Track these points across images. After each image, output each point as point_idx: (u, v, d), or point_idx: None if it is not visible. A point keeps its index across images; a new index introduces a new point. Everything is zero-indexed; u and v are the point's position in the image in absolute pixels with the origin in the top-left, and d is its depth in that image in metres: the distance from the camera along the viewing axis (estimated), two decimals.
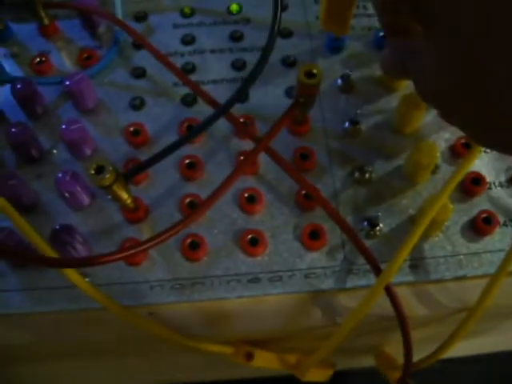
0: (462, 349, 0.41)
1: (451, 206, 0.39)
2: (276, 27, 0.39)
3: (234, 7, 0.48)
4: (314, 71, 0.37)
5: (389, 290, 0.38)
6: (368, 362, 0.50)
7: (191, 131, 0.39)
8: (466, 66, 0.26)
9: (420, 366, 0.41)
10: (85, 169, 0.35)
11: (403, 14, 0.33)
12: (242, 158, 0.41)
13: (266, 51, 0.39)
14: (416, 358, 0.40)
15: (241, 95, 0.39)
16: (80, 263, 0.35)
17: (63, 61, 0.46)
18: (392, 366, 0.46)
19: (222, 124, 0.42)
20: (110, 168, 0.34)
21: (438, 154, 0.40)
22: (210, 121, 0.39)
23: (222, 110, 0.39)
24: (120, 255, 0.34)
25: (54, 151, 0.43)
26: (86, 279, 0.38)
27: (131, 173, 0.38)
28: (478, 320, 0.38)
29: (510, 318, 0.44)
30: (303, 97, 0.39)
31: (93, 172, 0.34)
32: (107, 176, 0.34)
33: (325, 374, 0.47)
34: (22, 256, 0.34)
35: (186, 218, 0.36)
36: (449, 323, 0.39)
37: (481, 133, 0.29)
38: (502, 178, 0.43)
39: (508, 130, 0.27)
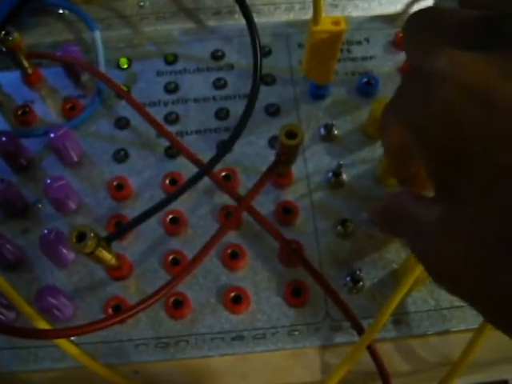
0: None
1: None
2: (257, 85, 0.39)
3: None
4: (295, 131, 0.37)
5: (371, 350, 0.38)
6: None
7: (173, 194, 0.39)
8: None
9: None
10: (69, 225, 0.35)
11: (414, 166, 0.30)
12: (225, 218, 0.41)
13: (247, 111, 0.39)
14: None
15: (223, 155, 0.39)
16: (67, 333, 0.36)
17: (47, 111, 0.46)
18: None
19: (205, 178, 0.41)
20: (92, 234, 0.34)
21: None
22: (192, 181, 0.39)
23: (204, 171, 0.39)
24: (106, 323, 0.35)
25: (39, 205, 0.43)
26: (72, 338, 0.38)
27: (115, 235, 0.38)
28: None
29: (492, 367, 0.44)
30: (285, 155, 0.39)
31: (74, 240, 0.34)
32: (89, 243, 0.34)
33: None
34: (10, 331, 0.34)
35: (170, 282, 0.36)
36: (432, 378, 0.39)
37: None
38: None
39: None
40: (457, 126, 0.20)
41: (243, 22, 0.43)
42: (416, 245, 0.25)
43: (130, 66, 0.48)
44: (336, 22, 0.40)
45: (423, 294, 0.41)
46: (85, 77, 0.47)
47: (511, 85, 0.18)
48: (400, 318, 0.40)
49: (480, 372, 0.42)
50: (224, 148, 0.39)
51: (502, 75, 0.19)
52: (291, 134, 0.37)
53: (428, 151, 0.22)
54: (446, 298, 0.41)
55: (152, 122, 0.42)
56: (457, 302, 0.41)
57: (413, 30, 0.25)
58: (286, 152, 0.38)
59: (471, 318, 0.40)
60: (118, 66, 0.47)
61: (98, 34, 0.47)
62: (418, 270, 0.38)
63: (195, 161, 0.40)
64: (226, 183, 0.42)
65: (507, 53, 0.19)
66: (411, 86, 0.23)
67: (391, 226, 0.30)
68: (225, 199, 0.42)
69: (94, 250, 0.34)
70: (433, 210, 0.23)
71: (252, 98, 0.39)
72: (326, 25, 0.40)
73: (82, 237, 0.34)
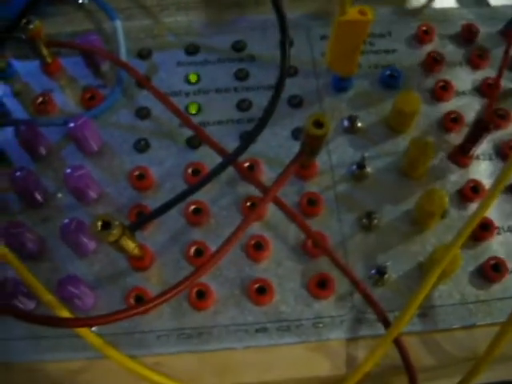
0: None
1: (461, 257, 0.38)
2: (284, 79, 0.38)
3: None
4: (322, 121, 0.36)
5: (398, 343, 0.37)
6: None
7: (197, 183, 0.38)
8: None
9: None
10: (89, 215, 0.34)
11: None
12: (249, 209, 0.41)
13: (273, 102, 0.38)
14: None
15: (248, 145, 0.38)
16: (89, 322, 0.35)
17: (66, 100, 0.46)
18: None
19: (227, 168, 0.41)
20: (117, 223, 0.33)
21: (447, 201, 0.39)
22: (216, 171, 0.39)
23: (229, 160, 0.39)
24: (128, 313, 0.35)
25: (59, 195, 0.42)
26: (92, 328, 0.38)
27: (137, 224, 0.37)
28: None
29: None
30: (310, 146, 0.38)
31: (99, 228, 0.33)
32: (114, 232, 0.33)
33: None
34: (30, 318, 0.34)
35: (194, 273, 0.35)
36: (458, 372, 0.39)
37: None
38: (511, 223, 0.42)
39: None
40: None
41: (265, 12, 0.43)
42: None
43: (150, 56, 0.47)
44: (362, 12, 0.39)
45: (449, 288, 0.40)
46: (104, 66, 0.47)
47: None
48: (426, 312, 0.40)
49: (506, 367, 0.41)
50: (249, 138, 0.38)
51: None
52: (318, 123, 0.36)
53: None
54: (472, 292, 0.40)
55: (175, 110, 0.42)
56: (482, 296, 0.40)
57: None
58: (311, 142, 0.38)
59: (497, 312, 0.40)
60: (139, 56, 0.46)
61: (119, 24, 0.46)
62: (445, 263, 0.37)
63: (219, 150, 0.40)
64: (251, 174, 0.41)
65: None
66: None
67: None
68: (248, 190, 0.42)
69: (118, 238, 0.34)
70: None
71: (278, 89, 0.38)
72: (352, 14, 0.39)
73: (106, 225, 0.33)
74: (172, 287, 0.35)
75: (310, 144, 0.38)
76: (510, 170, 0.38)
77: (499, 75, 0.43)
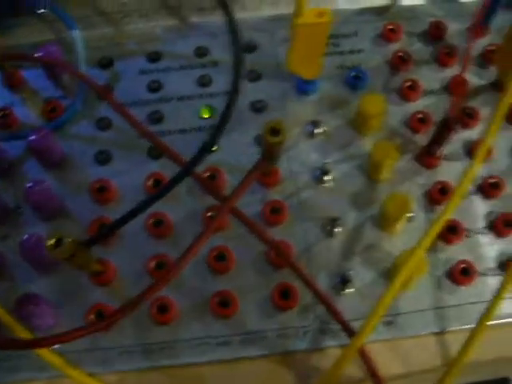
0: None
1: (427, 261, 0.38)
2: (237, 83, 0.37)
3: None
4: (279, 128, 0.35)
5: (362, 353, 0.36)
6: None
7: (152, 196, 0.38)
8: None
9: None
10: (50, 230, 0.34)
11: None
12: (209, 219, 0.40)
13: (229, 106, 0.38)
14: None
15: (203, 154, 0.37)
16: (48, 343, 0.35)
17: (28, 113, 0.45)
18: None
19: (188, 178, 0.40)
20: (69, 240, 0.33)
21: (411, 206, 0.38)
22: (173, 182, 0.38)
23: (185, 170, 0.38)
24: (87, 331, 0.34)
25: (20, 210, 0.41)
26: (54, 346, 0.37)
27: (94, 239, 0.37)
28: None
29: (491, 367, 0.42)
30: (269, 153, 0.37)
31: (51, 246, 0.33)
32: (66, 248, 0.33)
33: None
34: None
35: (153, 286, 0.35)
36: (428, 380, 0.38)
37: None
38: (481, 225, 0.41)
39: None
40: None
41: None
42: None
43: (112, 64, 0.46)
44: (320, 14, 0.38)
45: (417, 294, 0.40)
46: (66, 77, 0.46)
47: None
48: (393, 319, 0.39)
49: (478, 372, 0.40)
50: (205, 146, 0.37)
51: None
52: (275, 131, 0.35)
53: None
54: (441, 297, 0.39)
55: (132, 122, 0.41)
56: (451, 300, 0.39)
57: None
58: (270, 149, 0.37)
59: (467, 317, 0.39)
60: (100, 65, 0.46)
61: (77, 33, 0.46)
62: (408, 269, 0.36)
63: (178, 160, 0.39)
64: (211, 183, 0.40)
65: None
66: None
67: None
68: (210, 200, 0.41)
69: (71, 255, 0.33)
70: None
71: (233, 94, 0.37)
72: (309, 17, 0.38)
73: (58, 242, 0.32)
74: (130, 301, 0.34)
75: (269, 151, 0.37)
76: (473, 170, 0.37)
77: (462, 72, 0.42)
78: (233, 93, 0.38)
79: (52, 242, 0.33)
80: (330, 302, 0.37)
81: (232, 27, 0.39)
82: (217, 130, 0.38)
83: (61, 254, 0.33)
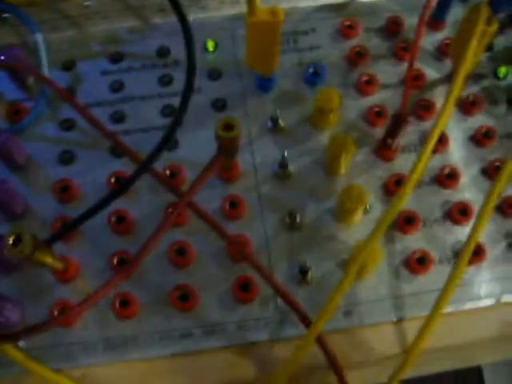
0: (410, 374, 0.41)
1: (382, 252, 0.38)
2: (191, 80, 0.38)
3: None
4: (232, 123, 0.36)
5: (320, 342, 0.37)
6: None
7: (114, 191, 0.38)
8: None
9: None
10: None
11: None
12: (166, 215, 0.40)
13: (183, 103, 0.38)
14: None
15: (161, 150, 0.38)
16: (11, 338, 0.36)
17: None
18: None
19: (150, 175, 0.41)
20: (27, 237, 0.33)
21: (368, 197, 0.39)
22: (132, 179, 0.39)
23: (142, 167, 0.39)
24: (51, 323, 0.36)
25: None
26: (19, 343, 0.38)
27: (54, 238, 0.37)
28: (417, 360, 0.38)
29: (450, 353, 0.43)
30: (224, 149, 0.38)
31: (10, 245, 0.33)
32: (25, 247, 0.33)
33: None
34: None
35: (114, 279, 0.36)
36: (388, 367, 0.39)
37: None
38: (438, 214, 0.42)
39: None
40: None
41: (189, 16, 0.43)
42: None
43: (74, 66, 0.47)
44: (273, 13, 0.39)
45: (374, 283, 0.40)
46: (30, 80, 0.46)
47: None
48: (351, 309, 0.40)
49: (452, 358, 0.41)
50: (161, 143, 0.38)
51: None
52: (228, 126, 0.36)
53: None
54: (398, 286, 0.40)
55: (93, 122, 0.41)
56: (408, 289, 0.40)
57: None
58: (224, 144, 0.37)
59: (424, 305, 0.40)
60: (63, 67, 0.46)
61: (39, 37, 0.46)
62: (361, 259, 0.37)
63: (136, 158, 0.40)
64: (168, 179, 0.41)
65: None
66: None
67: None
68: (172, 197, 0.41)
69: (31, 253, 0.34)
70: None
71: (186, 92, 0.38)
72: (262, 16, 0.39)
73: (18, 240, 0.33)
74: (91, 295, 0.35)
75: (224, 146, 0.38)
76: (423, 161, 0.38)
77: (410, 66, 0.42)
78: (187, 88, 0.38)
79: (11, 239, 0.33)
80: (287, 293, 0.38)
81: (184, 26, 0.40)
82: (172, 126, 0.38)
83: (21, 252, 0.33)
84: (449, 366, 0.45)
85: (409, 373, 0.38)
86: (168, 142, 0.39)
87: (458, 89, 0.40)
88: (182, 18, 0.41)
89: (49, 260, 0.37)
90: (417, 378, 0.41)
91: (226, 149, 0.38)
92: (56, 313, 0.39)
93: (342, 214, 0.41)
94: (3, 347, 0.37)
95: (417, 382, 0.49)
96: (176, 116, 0.38)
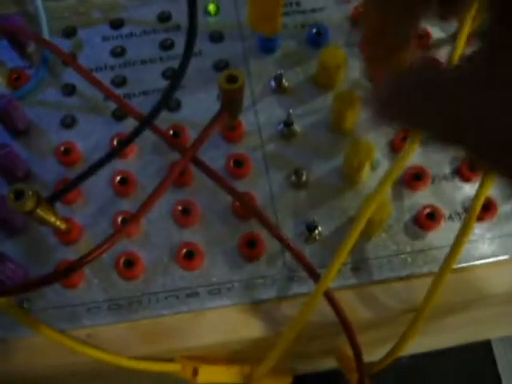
0: (423, 345, 0.40)
1: (389, 205, 0.38)
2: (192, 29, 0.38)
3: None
4: (236, 75, 0.35)
5: (328, 296, 0.36)
6: (331, 363, 0.49)
7: (115, 148, 0.38)
8: None
9: (377, 367, 0.39)
10: None
11: None
12: (168, 170, 0.40)
13: (185, 57, 0.38)
14: (375, 356, 0.40)
15: (162, 105, 0.38)
16: (13, 291, 0.36)
17: None
18: (352, 367, 0.45)
19: (153, 136, 0.41)
20: (30, 193, 0.33)
21: (375, 152, 0.39)
22: (133, 135, 0.38)
23: (144, 123, 0.38)
24: (54, 277, 0.35)
25: None
26: (23, 305, 0.37)
27: (56, 195, 0.37)
28: (428, 319, 0.37)
29: (461, 313, 0.42)
30: (228, 103, 0.37)
31: (12, 197, 0.33)
32: (27, 201, 0.33)
33: (282, 381, 0.46)
34: None
35: (117, 232, 0.35)
36: (398, 324, 0.38)
37: None
38: (446, 171, 0.42)
39: None
40: None
41: None
42: (458, 113, 0.21)
43: (75, 33, 0.46)
44: None
45: (383, 239, 0.40)
46: (31, 47, 0.46)
47: None
48: (359, 265, 0.39)
49: (459, 329, 0.40)
50: (162, 99, 0.37)
51: None
52: (232, 79, 0.35)
53: None
54: (407, 242, 0.40)
55: (97, 84, 0.41)
56: (418, 245, 0.39)
57: None
58: (228, 98, 0.37)
59: (433, 261, 0.39)
60: (64, 35, 0.46)
61: (39, 2, 0.46)
62: (369, 211, 0.36)
63: (138, 117, 0.39)
64: (173, 139, 0.40)
65: None
66: None
67: (409, 106, 0.24)
68: (174, 157, 0.41)
69: (33, 208, 0.33)
70: (470, 63, 0.20)
71: (187, 48, 0.37)
72: None
73: (20, 195, 0.33)
74: (93, 249, 0.34)
75: (228, 101, 0.37)
76: None
77: None
78: (187, 45, 0.38)
79: (13, 193, 0.32)
80: (295, 246, 0.37)
81: None
82: (173, 83, 0.38)
83: (22, 206, 0.33)
84: (460, 336, 0.44)
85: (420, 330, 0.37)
86: (170, 97, 0.38)
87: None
88: None
89: (51, 218, 0.36)
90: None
91: (230, 103, 0.37)
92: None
93: (349, 170, 0.40)
94: (10, 309, 0.36)
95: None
96: (178, 71, 0.38)
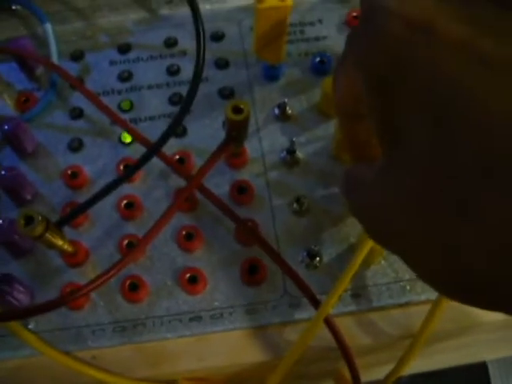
0: (416, 367, 0.41)
1: None
2: (201, 59, 0.38)
3: None
4: (241, 106, 0.36)
5: (328, 323, 0.37)
6: None
7: (123, 174, 0.39)
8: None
9: None
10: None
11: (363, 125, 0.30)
12: (174, 197, 0.41)
13: (193, 86, 0.39)
14: (372, 376, 0.41)
15: (170, 133, 0.39)
16: (20, 315, 0.36)
17: (2, 105, 0.46)
18: None
19: (159, 161, 0.42)
20: (39, 218, 0.34)
21: None
22: (141, 162, 0.39)
23: (153, 150, 0.39)
24: (60, 302, 0.36)
25: None
26: (29, 326, 0.38)
27: (64, 220, 0.38)
28: (425, 344, 0.38)
29: (457, 338, 0.43)
30: (233, 132, 0.38)
31: (22, 223, 0.34)
32: (37, 227, 0.33)
33: None
34: None
35: (124, 258, 0.36)
36: (396, 349, 0.39)
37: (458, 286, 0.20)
38: None
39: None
40: (398, 55, 0.20)
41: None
42: (354, 201, 0.26)
43: (83, 57, 0.47)
44: None
45: (382, 267, 0.40)
46: (39, 70, 0.47)
47: (451, 24, 0.19)
48: (359, 292, 0.40)
49: (455, 351, 0.41)
50: (171, 126, 0.38)
51: (446, 14, 0.19)
52: (237, 110, 0.36)
53: (370, 84, 0.22)
54: (406, 270, 0.40)
55: (104, 109, 0.42)
56: None
57: None
58: (234, 128, 0.38)
59: (431, 289, 0.39)
60: (72, 58, 0.47)
61: (48, 27, 0.47)
62: (372, 241, 0.37)
63: (145, 143, 0.40)
64: (179, 165, 0.41)
65: None
66: (359, 28, 0.23)
67: (343, 191, 0.29)
68: (180, 182, 0.42)
69: (42, 233, 0.34)
70: (375, 167, 0.23)
71: (195, 77, 0.38)
72: (271, 1, 0.39)
73: (29, 221, 0.33)
74: (100, 275, 0.36)
75: (233, 131, 0.38)
76: None
77: None
78: (195, 76, 0.39)
79: (23, 219, 0.33)
80: (296, 273, 0.38)
81: (195, 17, 0.40)
82: (181, 111, 0.39)
83: (32, 231, 0.33)
84: (456, 358, 0.45)
85: (417, 356, 0.38)
86: (177, 126, 0.39)
87: None
88: (194, 9, 0.41)
89: (59, 242, 0.37)
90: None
91: (235, 133, 0.38)
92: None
93: None
94: (15, 329, 0.37)
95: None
96: (185, 101, 0.39)
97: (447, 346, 0.44)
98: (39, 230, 0.34)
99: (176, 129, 0.39)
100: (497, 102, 0.17)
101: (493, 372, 0.74)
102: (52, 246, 0.37)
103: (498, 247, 0.17)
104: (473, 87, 0.18)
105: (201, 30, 0.39)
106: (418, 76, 0.20)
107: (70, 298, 0.35)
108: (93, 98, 0.43)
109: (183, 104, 0.39)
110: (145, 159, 0.38)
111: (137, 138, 0.41)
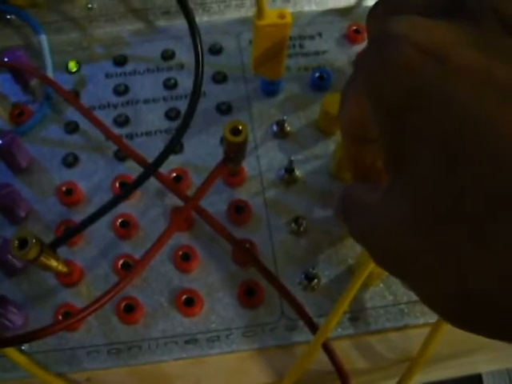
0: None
1: None
2: (199, 80, 0.38)
3: None
4: (240, 128, 0.36)
5: (326, 347, 0.37)
6: None
7: (119, 194, 0.38)
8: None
9: None
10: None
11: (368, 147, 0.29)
12: (171, 218, 0.40)
13: (191, 106, 0.38)
14: None
15: (168, 153, 0.38)
16: (15, 341, 0.36)
17: None
18: None
19: (155, 180, 0.41)
20: (34, 241, 0.33)
21: None
22: (138, 182, 0.38)
23: (149, 171, 0.38)
24: (56, 328, 0.35)
25: None
26: (22, 347, 0.37)
27: (60, 240, 0.37)
28: (424, 366, 0.38)
29: (456, 359, 0.43)
30: (232, 154, 0.38)
31: (16, 246, 0.33)
32: (31, 250, 0.33)
33: None
34: None
35: (120, 282, 0.35)
36: (393, 372, 0.39)
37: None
38: None
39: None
40: (410, 82, 0.20)
41: None
42: (358, 226, 0.25)
43: (79, 69, 0.46)
44: (281, 16, 0.39)
45: (380, 290, 0.40)
46: (34, 82, 0.46)
47: (465, 51, 0.19)
48: (357, 315, 0.40)
49: (451, 367, 0.41)
50: (169, 147, 0.38)
51: (459, 41, 0.19)
52: (236, 131, 0.36)
53: (380, 111, 0.22)
54: (404, 293, 0.40)
55: (98, 125, 0.41)
56: (414, 296, 0.39)
57: (377, 3, 0.25)
58: (232, 149, 0.37)
59: (430, 312, 0.39)
60: (67, 70, 0.46)
61: (43, 38, 0.46)
62: (372, 264, 0.37)
63: (142, 162, 0.40)
64: (175, 184, 0.41)
65: (466, 22, 0.19)
66: (370, 52, 0.22)
67: (342, 214, 0.28)
68: (176, 201, 0.41)
69: (37, 256, 0.33)
70: (378, 190, 0.23)
71: (194, 95, 0.38)
72: (270, 18, 0.39)
73: (23, 243, 0.33)
74: (95, 300, 0.35)
75: (232, 151, 0.38)
76: None
77: None
78: (194, 95, 0.38)
79: (17, 242, 0.33)
80: (294, 297, 0.38)
81: (193, 30, 0.39)
82: (179, 131, 0.38)
83: (26, 255, 0.33)
84: (454, 372, 0.44)
85: (415, 380, 0.38)
86: (175, 146, 0.38)
87: None
88: (191, 22, 0.40)
89: (53, 263, 0.37)
90: None
91: (233, 153, 0.38)
92: (60, 317, 0.38)
93: None
94: (7, 351, 0.36)
95: None
96: (183, 120, 0.38)
97: (444, 366, 0.44)
98: (33, 253, 0.33)
99: (174, 148, 0.38)
100: None
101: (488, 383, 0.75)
102: (46, 267, 0.37)
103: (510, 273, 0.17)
104: (488, 115, 0.17)
105: (199, 50, 0.38)
106: (431, 104, 0.19)
107: (66, 324, 0.34)
108: (86, 113, 0.43)
109: (181, 124, 0.38)
110: (141, 179, 0.38)
111: (132, 156, 0.40)
